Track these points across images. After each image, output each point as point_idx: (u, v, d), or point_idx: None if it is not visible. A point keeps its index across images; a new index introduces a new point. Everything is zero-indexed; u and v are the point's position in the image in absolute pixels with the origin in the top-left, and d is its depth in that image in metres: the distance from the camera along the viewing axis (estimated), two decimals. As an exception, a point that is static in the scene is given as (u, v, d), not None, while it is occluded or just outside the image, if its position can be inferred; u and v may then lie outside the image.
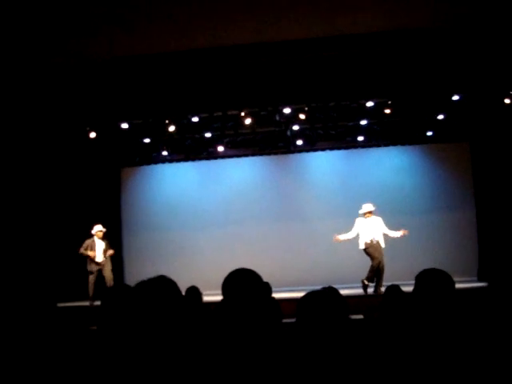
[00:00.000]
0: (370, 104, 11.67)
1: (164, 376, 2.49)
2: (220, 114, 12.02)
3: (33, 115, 11.40)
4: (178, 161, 13.99)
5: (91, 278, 12.10)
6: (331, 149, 13.72)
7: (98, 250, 12.21)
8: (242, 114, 11.88)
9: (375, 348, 3.03)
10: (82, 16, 8.82)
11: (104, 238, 12.37)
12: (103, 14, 8.78)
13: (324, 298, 3.03)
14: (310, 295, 3.08)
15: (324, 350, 2.83)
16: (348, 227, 13.81)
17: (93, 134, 12.18)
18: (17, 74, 10.60)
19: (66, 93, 11.24)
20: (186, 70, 11.19)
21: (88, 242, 12.21)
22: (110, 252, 12.28)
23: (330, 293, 3.12)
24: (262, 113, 11.95)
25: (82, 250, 12.13)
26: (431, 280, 3.09)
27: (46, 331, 3.87)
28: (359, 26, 10.11)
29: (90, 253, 12.04)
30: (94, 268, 12.12)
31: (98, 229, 12.32)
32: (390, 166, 13.94)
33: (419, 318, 3.06)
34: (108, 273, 12.18)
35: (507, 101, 11.24)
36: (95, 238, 12.26)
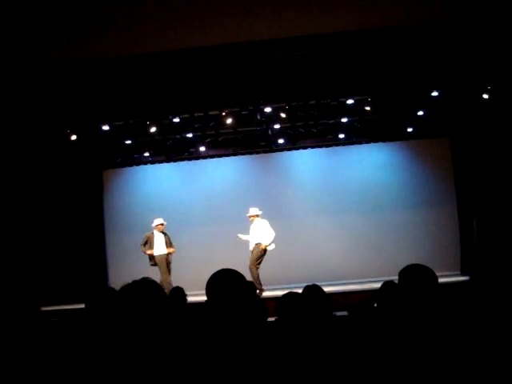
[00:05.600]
0: (350, 102, 11.71)
1: (150, 377, 2.50)
2: (201, 114, 12.01)
3: (13, 119, 11.32)
4: (160, 162, 13.96)
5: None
6: (312, 147, 13.75)
7: (158, 243, 12.16)
8: (223, 113, 11.87)
9: (364, 343, 3.05)
10: (61, 19, 8.77)
11: (165, 232, 12.33)
12: (82, 16, 8.74)
13: (302, 299, 3.05)
14: (288, 296, 3.09)
15: (309, 347, 2.85)
16: (331, 224, 13.90)
17: (74, 137, 12.12)
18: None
19: (46, 96, 11.16)
20: (165, 70, 11.16)
21: (147, 234, 12.23)
22: (171, 250, 12.22)
23: (312, 290, 3.14)
24: (243, 112, 11.96)
25: (141, 247, 12.19)
26: (414, 276, 3.12)
27: (29, 335, 3.84)
28: (338, 25, 10.15)
29: (148, 252, 12.06)
30: (151, 262, 12.14)
31: (158, 222, 12.27)
32: (371, 162, 14.00)
33: (403, 314, 3.08)
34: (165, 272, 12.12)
35: (485, 96, 11.34)
36: (155, 231, 12.23)
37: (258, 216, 11.93)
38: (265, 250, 11.63)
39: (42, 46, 9.80)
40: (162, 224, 12.27)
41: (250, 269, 11.51)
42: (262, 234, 11.69)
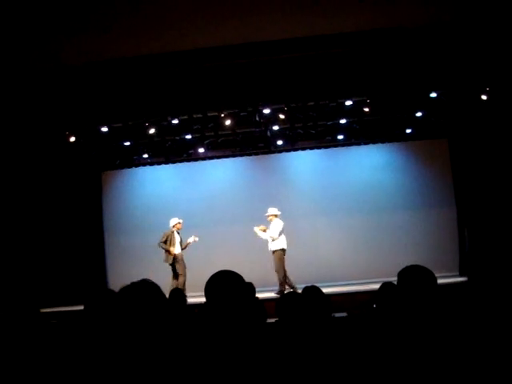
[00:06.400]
0: (348, 103, 11.71)
1: (150, 378, 2.50)
2: (200, 115, 12.01)
3: (12, 120, 11.32)
4: (159, 163, 13.96)
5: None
6: (311, 148, 13.75)
7: (176, 243, 12.21)
8: (222, 115, 11.87)
9: (363, 344, 3.05)
10: (60, 21, 8.78)
11: (178, 232, 12.38)
12: (80, 18, 8.74)
13: (301, 298, 3.05)
14: (288, 296, 3.09)
15: (308, 348, 2.85)
16: (330, 225, 13.89)
17: (72, 138, 12.12)
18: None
19: (45, 97, 11.17)
20: (164, 72, 11.17)
21: (167, 233, 12.20)
22: (196, 239, 12.25)
23: (311, 291, 3.14)
24: (242, 114, 11.96)
25: (161, 244, 12.12)
26: (413, 277, 3.12)
27: (28, 337, 3.84)
28: (336, 26, 10.16)
29: (171, 248, 12.04)
30: (170, 260, 12.10)
31: (176, 221, 12.30)
32: (370, 163, 14.00)
33: (402, 315, 3.09)
34: (182, 271, 12.13)
35: (484, 97, 11.35)
36: (174, 230, 12.25)
37: (276, 216, 11.96)
38: (281, 252, 11.70)
39: (40, 47, 9.80)
40: (179, 223, 12.34)
41: (278, 273, 11.60)
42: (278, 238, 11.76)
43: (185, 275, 12.10)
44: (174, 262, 12.10)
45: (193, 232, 12.82)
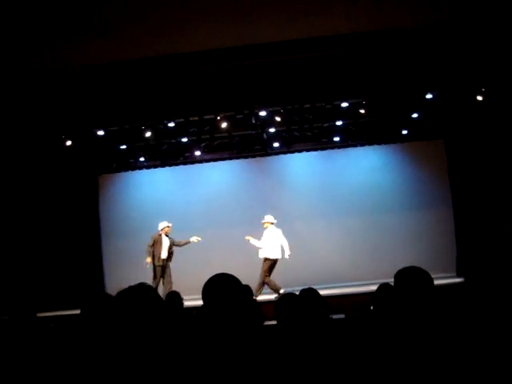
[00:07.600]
0: (344, 105, 11.72)
1: (147, 382, 2.50)
2: (196, 118, 12.01)
3: (8, 124, 11.31)
4: (155, 166, 13.92)
5: (158, 269, 12.11)
6: (308, 150, 13.73)
7: (164, 247, 12.16)
8: (218, 117, 11.88)
9: (361, 346, 3.05)
10: (55, 25, 8.78)
11: (167, 235, 12.34)
12: (76, 22, 8.74)
13: (299, 300, 3.05)
14: (286, 297, 3.09)
15: (306, 350, 2.85)
16: (327, 227, 13.90)
17: (69, 142, 12.11)
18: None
19: (41, 102, 11.16)
20: (160, 75, 11.18)
21: (155, 237, 12.20)
22: (199, 239, 12.27)
23: (308, 293, 3.14)
24: (238, 116, 11.96)
25: (147, 247, 12.13)
26: (410, 278, 3.12)
27: (26, 341, 3.84)
28: (332, 28, 10.18)
29: (148, 259, 12.06)
30: (158, 263, 12.11)
31: (164, 225, 12.28)
32: (366, 165, 14.01)
33: (400, 316, 3.09)
34: (168, 277, 12.13)
35: (479, 98, 11.37)
36: (162, 234, 12.22)
37: (272, 224, 11.91)
38: (273, 262, 11.67)
39: (37, 51, 9.80)
40: (168, 226, 12.32)
41: (265, 283, 11.57)
42: (270, 246, 11.69)
43: (159, 281, 12.10)
44: (159, 265, 12.11)
45: (190, 235, 12.82)
